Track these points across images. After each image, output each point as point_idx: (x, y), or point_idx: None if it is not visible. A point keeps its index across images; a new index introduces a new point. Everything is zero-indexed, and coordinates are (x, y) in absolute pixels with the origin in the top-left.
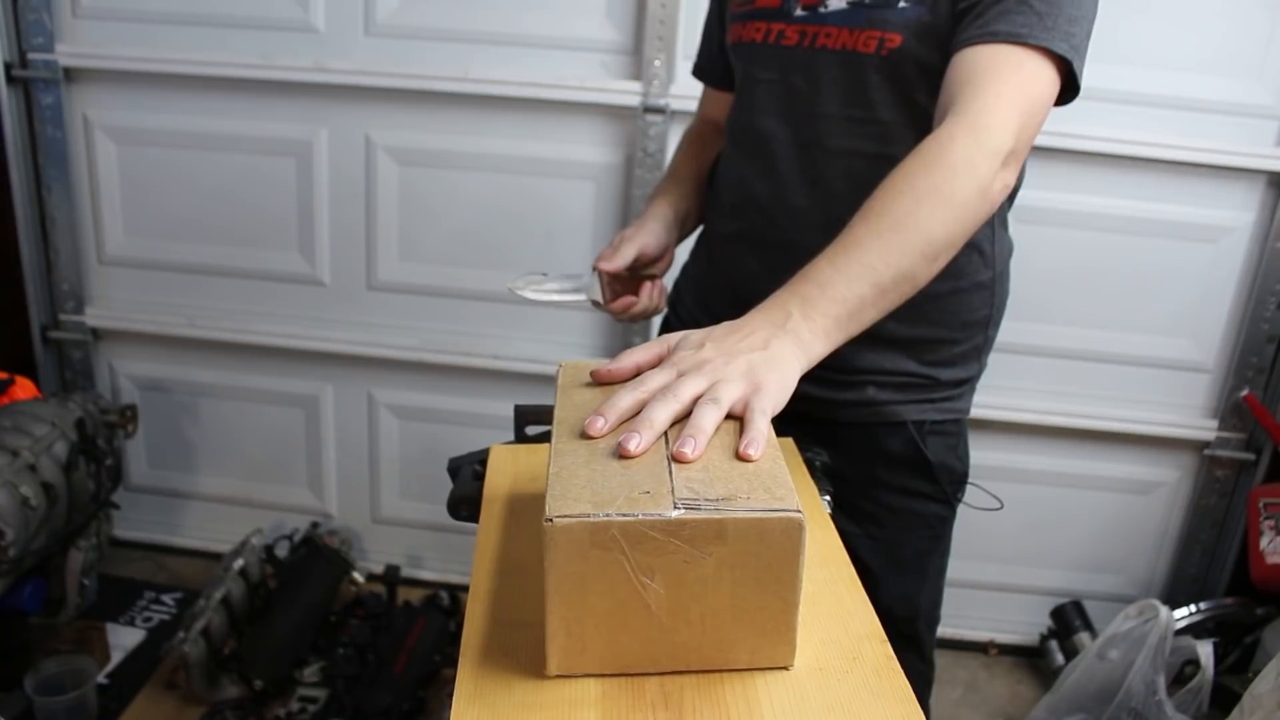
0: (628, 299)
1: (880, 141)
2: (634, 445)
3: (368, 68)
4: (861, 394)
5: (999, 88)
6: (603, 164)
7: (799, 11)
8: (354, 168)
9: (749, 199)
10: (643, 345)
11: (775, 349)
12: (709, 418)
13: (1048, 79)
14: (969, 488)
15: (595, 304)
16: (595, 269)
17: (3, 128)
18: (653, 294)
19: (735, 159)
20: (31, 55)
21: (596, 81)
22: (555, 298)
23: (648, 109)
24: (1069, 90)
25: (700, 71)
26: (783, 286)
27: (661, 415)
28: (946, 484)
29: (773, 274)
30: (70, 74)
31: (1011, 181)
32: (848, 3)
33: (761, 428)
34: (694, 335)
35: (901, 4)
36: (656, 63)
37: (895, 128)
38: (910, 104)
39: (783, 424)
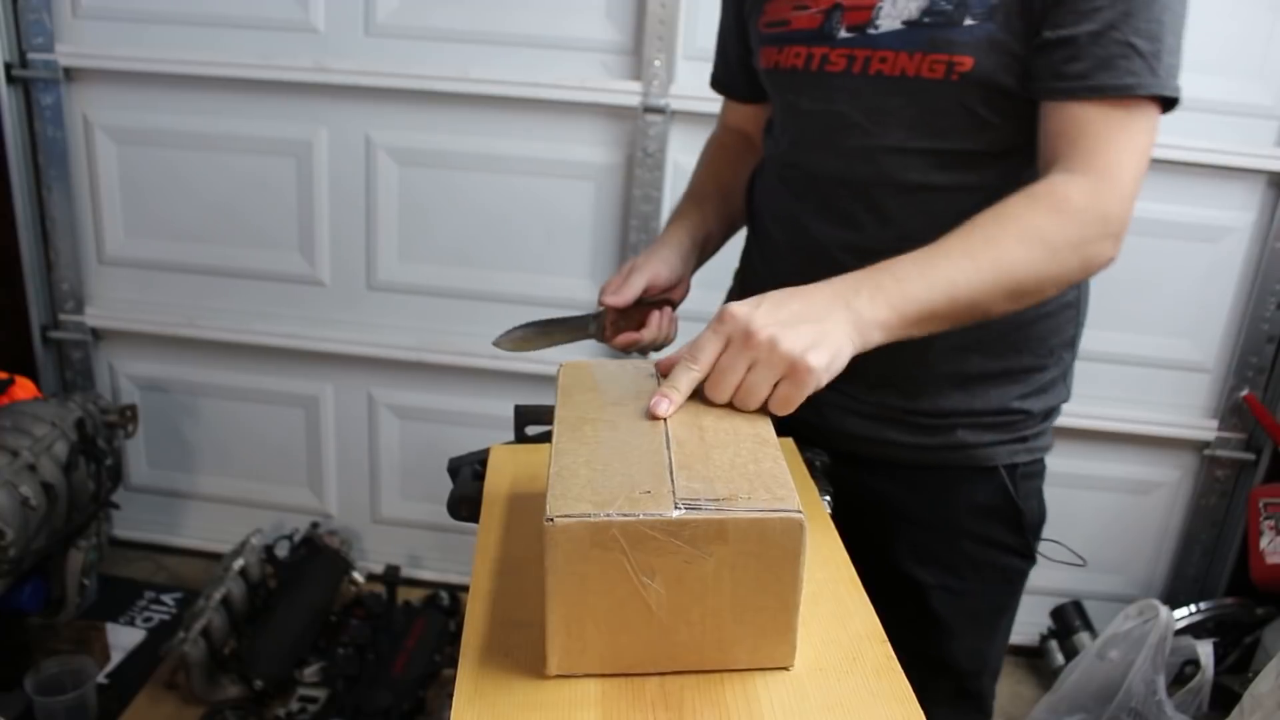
0: (630, 335)
1: (953, 172)
2: (664, 409)
3: (368, 68)
4: (949, 438)
5: (1116, 155)
6: (603, 164)
7: (843, 33)
8: (354, 168)
9: (811, 242)
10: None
11: (831, 325)
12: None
13: (1155, 125)
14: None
15: (596, 338)
16: (600, 304)
17: (3, 128)
18: (662, 323)
19: (783, 196)
20: (31, 55)
21: (596, 81)
22: (543, 329)
23: (648, 109)
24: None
25: (719, 84)
26: (859, 270)
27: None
28: (1031, 536)
29: None
30: (70, 74)
31: (1115, 256)
32: (903, 22)
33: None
34: (743, 309)
35: (968, 21)
36: (656, 62)
37: (968, 156)
38: (985, 129)
39: (861, 465)
